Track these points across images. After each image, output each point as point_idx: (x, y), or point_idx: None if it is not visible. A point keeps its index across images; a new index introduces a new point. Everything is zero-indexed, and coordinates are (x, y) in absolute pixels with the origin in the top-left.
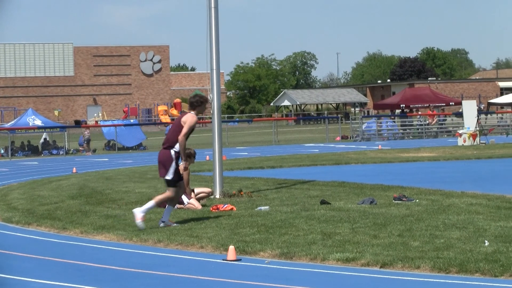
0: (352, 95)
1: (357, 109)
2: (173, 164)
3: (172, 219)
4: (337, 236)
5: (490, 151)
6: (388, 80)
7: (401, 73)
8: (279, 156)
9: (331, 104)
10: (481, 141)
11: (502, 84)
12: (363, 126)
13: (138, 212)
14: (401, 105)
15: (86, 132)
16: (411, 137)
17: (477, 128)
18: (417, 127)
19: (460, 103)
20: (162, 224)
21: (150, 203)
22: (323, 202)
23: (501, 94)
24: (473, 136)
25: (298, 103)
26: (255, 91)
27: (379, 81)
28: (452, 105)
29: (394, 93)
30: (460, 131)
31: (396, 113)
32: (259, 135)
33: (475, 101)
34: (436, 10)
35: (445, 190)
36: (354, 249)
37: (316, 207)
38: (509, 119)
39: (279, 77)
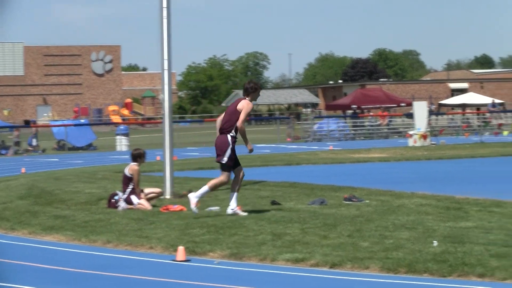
0: (304, 95)
1: (308, 109)
2: (229, 148)
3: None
4: (287, 236)
5: (440, 152)
6: (340, 81)
7: (353, 74)
8: None
9: (282, 104)
10: (431, 142)
11: (453, 85)
12: (315, 127)
13: (193, 198)
14: (352, 106)
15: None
16: (362, 137)
17: (428, 129)
18: (368, 128)
19: (411, 104)
20: (230, 211)
21: (204, 188)
22: (273, 203)
23: (452, 95)
24: (424, 137)
25: None
26: (207, 91)
27: (330, 82)
28: (403, 106)
29: (345, 94)
30: (411, 132)
31: (347, 114)
32: (210, 135)
33: (426, 102)
34: (388, 11)
35: (395, 190)
36: (303, 249)
37: (266, 207)
38: (459, 120)
39: (231, 78)
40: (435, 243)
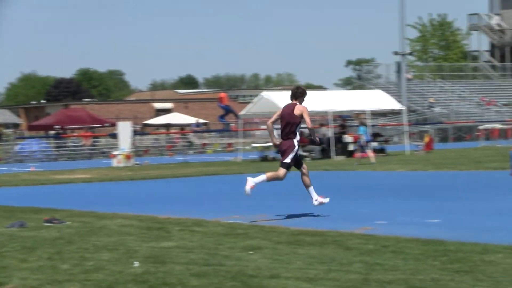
0: (5, 116)
1: (10, 130)
2: (294, 150)
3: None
4: None
5: (144, 172)
6: (43, 101)
7: (57, 94)
8: None
9: None
10: (135, 162)
11: (158, 105)
12: (16, 148)
13: (251, 180)
14: (55, 126)
15: None
16: (65, 158)
17: (132, 149)
18: (72, 148)
19: (116, 124)
20: (316, 203)
21: (262, 177)
22: None
23: (157, 115)
24: (128, 157)
25: None
26: None
27: (33, 102)
28: (107, 126)
29: (49, 114)
30: (115, 152)
31: (50, 135)
32: None
33: (130, 122)
34: (91, 30)
35: (98, 212)
36: (1, 274)
37: None
38: (164, 140)
39: None
40: (136, 263)
